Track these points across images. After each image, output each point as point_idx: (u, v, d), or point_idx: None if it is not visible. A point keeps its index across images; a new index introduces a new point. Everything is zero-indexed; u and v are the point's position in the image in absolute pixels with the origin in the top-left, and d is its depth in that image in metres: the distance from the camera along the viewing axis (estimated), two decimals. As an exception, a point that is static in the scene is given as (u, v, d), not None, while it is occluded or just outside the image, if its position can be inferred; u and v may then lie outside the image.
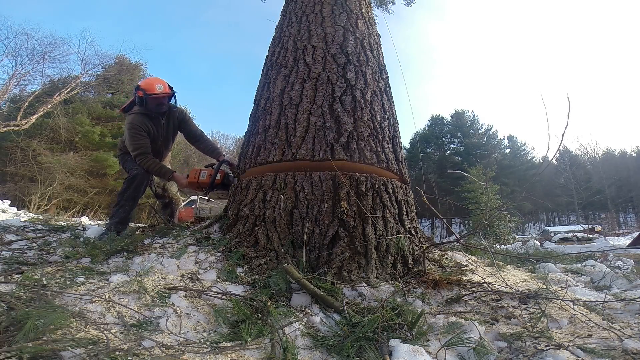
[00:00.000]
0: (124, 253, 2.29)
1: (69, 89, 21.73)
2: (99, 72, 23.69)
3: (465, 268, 2.43)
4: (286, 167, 2.59)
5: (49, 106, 20.66)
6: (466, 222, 37.12)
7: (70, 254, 2.22)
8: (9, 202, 10.14)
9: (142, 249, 2.35)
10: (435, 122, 46.60)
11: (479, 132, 43.91)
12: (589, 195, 38.40)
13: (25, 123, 19.51)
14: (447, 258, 2.62)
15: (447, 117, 46.30)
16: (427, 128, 46.60)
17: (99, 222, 7.22)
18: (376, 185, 2.48)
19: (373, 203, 2.43)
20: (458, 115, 45.23)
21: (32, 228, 3.40)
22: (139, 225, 4.36)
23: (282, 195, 2.43)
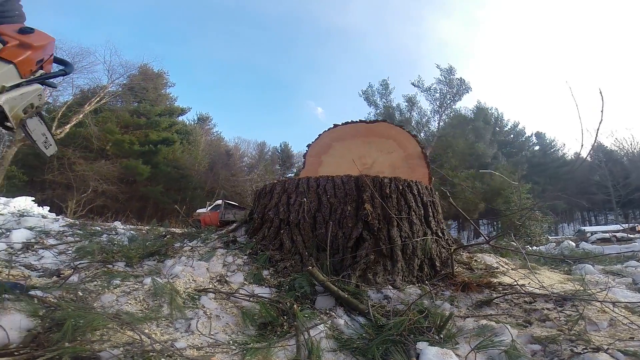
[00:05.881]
0: (156, 256, 2.38)
1: (98, 99, 22.59)
2: (124, 81, 24.45)
3: (496, 270, 2.36)
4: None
5: (81, 115, 21.59)
6: (494, 223, 35.86)
7: (106, 258, 2.32)
8: (48, 208, 10.72)
9: (173, 252, 2.44)
10: (459, 120, 45.35)
11: (505, 129, 42.37)
12: (628, 193, 36.09)
13: (60, 132, 20.51)
14: (476, 260, 2.55)
15: (470, 115, 44.98)
16: (450, 127, 45.45)
17: (130, 226, 7.52)
18: (400, 187, 2.46)
19: (398, 205, 2.41)
20: (481, 112, 43.82)
21: (71, 232, 3.60)
22: (169, 229, 4.50)
23: (305, 199, 2.45)
